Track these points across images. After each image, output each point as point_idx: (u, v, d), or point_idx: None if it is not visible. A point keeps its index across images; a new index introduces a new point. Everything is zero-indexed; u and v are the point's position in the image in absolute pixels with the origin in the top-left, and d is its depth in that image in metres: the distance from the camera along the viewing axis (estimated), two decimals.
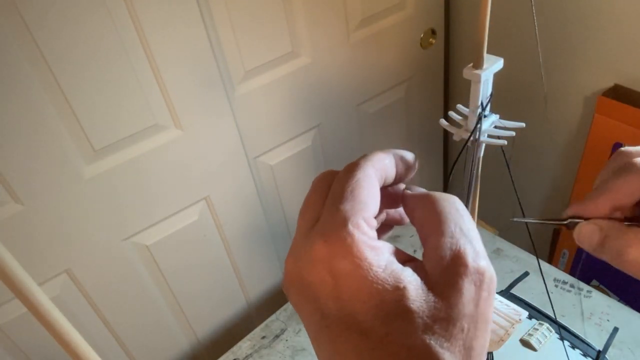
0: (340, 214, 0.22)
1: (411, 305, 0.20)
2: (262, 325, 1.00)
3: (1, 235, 0.77)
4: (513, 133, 0.45)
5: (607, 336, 0.84)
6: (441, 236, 0.22)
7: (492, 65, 0.44)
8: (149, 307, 1.03)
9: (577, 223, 0.32)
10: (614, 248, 0.29)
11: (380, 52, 1.14)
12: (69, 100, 0.75)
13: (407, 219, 0.29)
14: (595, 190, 0.31)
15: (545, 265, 1.04)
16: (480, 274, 0.21)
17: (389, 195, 0.28)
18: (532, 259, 1.03)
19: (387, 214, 0.30)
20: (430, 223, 0.23)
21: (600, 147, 1.06)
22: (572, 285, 0.97)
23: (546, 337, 0.83)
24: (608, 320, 0.89)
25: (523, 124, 0.43)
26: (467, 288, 0.21)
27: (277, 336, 0.97)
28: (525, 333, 0.84)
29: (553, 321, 0.86)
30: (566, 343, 0.82)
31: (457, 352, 0.20)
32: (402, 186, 0.28)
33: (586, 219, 0.31)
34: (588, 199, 0.31)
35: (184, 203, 0.97)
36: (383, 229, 0.30)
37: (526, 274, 0.99)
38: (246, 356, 0.94)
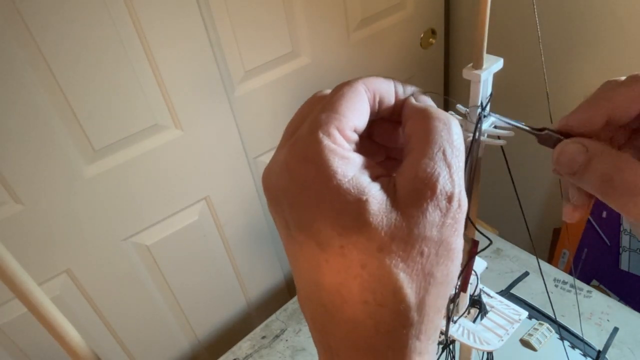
0: (314, 123, 0.21)
1: (370, 219, 0.19)
2: (262, 325, 1.00)
3: (1, 235, 0.77)
4: (513, 133, 0.45)
5: (607, 336, 0.84)
6: (421, 155, 0.21)
7: (492, 65, 0.44)
8: (149, 307, 1.03)
9: (555, 139, 0.28)
10: (600, 172, 0.25)
11: (380, 52, 1.14)
12: (69, 100, 0.75)
13: None
14: (587, 101, 0.28)
15: (545, 265, 1.04)
16: (448, 200, 0.20)
17: (392, 130, 0.27)
18: (532, 259, 1.03)
19: (395, 148, 0.28)
20: (416, 139, 0.22)
21: None
22: (572, 285, 0.97)
23: (546, 337, 0.83)
24: (608, 320, 0.89)
25: (512, 133, 0.43)
26: (431, 212, 0.20)
27: (277, 336, 0.97)
28: (525, 333, 0.84)
29: (553, 321, 0.86)
30: (566, 343, 0.82)
31: (414, 276, 0.20)
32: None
33: (567, 137, 0.28)
34: (580, 108, 0.28)
35: (184, 203, 0.97)
36: (392, 165, 0.28)
37: (526, 274, 0.99)
38: (246, 356, 0.94)
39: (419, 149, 0.21)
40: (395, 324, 0.20)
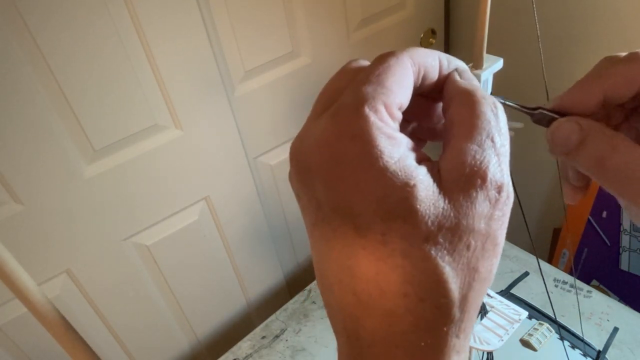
0: (358, 96, 0.19)
1: (418, 206, 0.18)
2: (262, 325, 1.00)
3: (1, 235, 0.77)
4: (512, 133, 0.45)
5: (607, 336, 0.84)
6: (468, 141, 0.20)
7: (492, 65, 0.44)
8: (149, 307, 1.03)
9: (549, 117, 0.27)
10: (595, 151, 0.24)
11: (380, 52, 1.13)
12: (69, 100, 0.75)
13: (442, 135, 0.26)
14: (584, 78, 0.27)
15: (545, 265, 1.04)
16: (497, 191, 0.19)
17: (425, 106, 0.25)
18: (532, 259, 1.03)
19: (421, 125, 0.26)
20: (462, 124, 0.20)
21: None
22: (572, 285, 0.97)
23: (546, 337, 0.83)
24: (608, 320, 0.89)
25: (521, 124, 0.43)
26: (481, 202, 0.19)
27: (277, 336, 0.97)
28: (525, 333, 0.84)
29: (553, 321, 0.86)
30: (566, 343, 0.82)
31: (459, 270, 0.18)
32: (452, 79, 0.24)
33: (562, 116, 0.27)
34: (575, 87, 0.27)
35: (184, 203, 0.97)
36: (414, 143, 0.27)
37: (526, 274, 0.99)
38: (246, 356, 0.94)
39: (466, 134, 0.20)
40: (436, 320, 0.18)
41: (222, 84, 0.91)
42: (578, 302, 0.92)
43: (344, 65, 0.23)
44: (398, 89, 0.20)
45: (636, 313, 0.89)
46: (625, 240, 1.09)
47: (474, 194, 0.19)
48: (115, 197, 0.87)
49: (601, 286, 1.18)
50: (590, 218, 1.13)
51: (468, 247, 0.18)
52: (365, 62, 0.23)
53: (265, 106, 1.01)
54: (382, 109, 0.19)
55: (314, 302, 1.02)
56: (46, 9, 0.68)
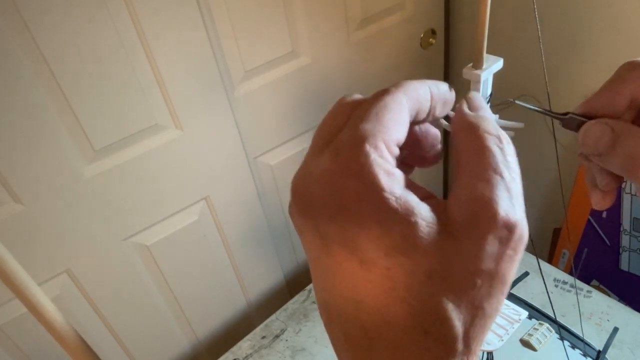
0: (358, 133, 0.20)
1: (419, 242, 0.18)
2: (262, 325, 1.00)
3: (1, 235, 0.77)
4: (512, 133, 0.45)
5: (607, 336, 0.84)
6: (476, 177, 0.20)
7: (492, 65, 0.44)
8: (149, 307, 1.03)
9: (578, 121, 0.28)
10: (627, 151, 0.25)
11: (380, 52, 1.14)
12: (69, 100, 0.75)
13: (432, 161, 0.26)
14: (609, 82, 0.27)
15: (545, 265, 1.04)
16: (509, 229, 0.19)
17: (417, 135, 0.25)
18: (532, 259, 1.03)
19: (412, 153, 0.27)
20: (468, 160, 0.21)
21: None
22: (572, 285, 0.97)
23: (546, 337, 0.83)
24: (608, 320, 0.89)
25: (522, 124, 0.43)
26: (490, 242, 0.18)
27: (277, 336, 0.97)
28: (525, 333, 0.84)
29: (553, 321, 0.86)
30: (566, 343, 0.82)
31: (463, 308, 0.18)
32: (430, 127, 0.25)
33: (590, 119, 0.27)
34: (602, 90, 0.27)
35: (184, 203, 0.97)
36: (403, 170, 0.28)
37: (526, 274, 0.99)
38: (246, 356, 0.94)
39: (474, 171, 0.20)
40: (440, 353, 0.18)
41: (222, 84, 0.91)
42: (578, 302, 0.92)
43: (338, 101, 0.23)
44: (395, 125, 0.21)
45: (636, 313, 0.89)
46: (625, 240, 1.09)
47: (483, 234, 0.19)
48: (115, 197, 0.87)
49: (601, 286, 1.18)
50: (590, 218, 1.13)
51: (474, 285, 0.18)
52: (359, 96, 0.23)
53: (265, 106, 1.01)
54: (382, 146, 0.20)
55: (314, 302, 1.02)
56: (46, 8, 0.68)
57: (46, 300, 0.30)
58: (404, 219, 0.18)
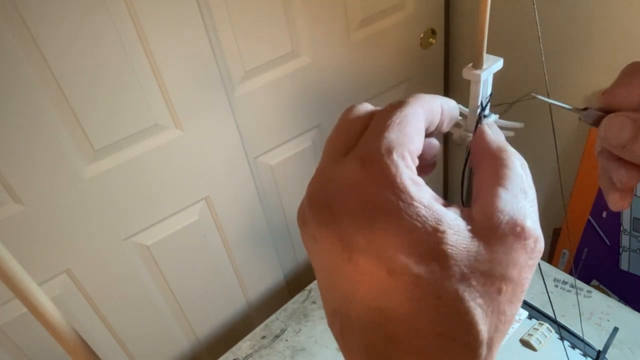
0: (384, 142, 0.20)
1: (450, 250, 0.19)
2: (262, 325, 1.00)
3: (1, 235, 0.77)
4: (512, 133, 0.45)
5: (607, 336, 0.84)
6: (505, 191, 0.21)
7: (492, 65, 0.44)
8: (149, 307, 1.03)
9: (597, 116, 0.29)
10: None
11: (380, 52, 1.14)
12: (69, 100, 0.75)
13: (428, 171, 0.28)
14: (622, 77, 0.28)
15: (545, 265, 1.04)
16: (534, 241, 0.20)
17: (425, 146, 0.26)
18: None
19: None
20: (496, 175, 0.22)
21: None
22: (572, 285, 0.97)
23: (546, 337, 0.83)
24: (608, 320, 0.89)
25: (522, 124, 0.43)
26: (518, 251, 0.20)
27: (277, 336, 0.97)
28: (525, 333, 0.84)
29: (553, 321, 0.86)
30: (566, 343, 0.82)
31: (489, 312, 0.19)
32: (432, 140, 0.26)
33: (609, 112, 0.28)
34: (618, 84, 0.28)
35: (184, 203, 0.97)
36: None
37: None
38: (246, 356, 0.94)
39: (502, 185, 0.21)
40: (464, 358, 0.19)
41: (222, 84, 0.91)
42: (578, 302, 0.92)
43: (350, 109, 0.24)
44: (416, 136, 0.22)
45: (636, 313, 0.89)
46: (625, 240, 1.09)
47: (513, 243, 0.20)
48: (115, 197, 0.87)
49: (601, 286, 1.18)
50: (590, 218, 1.13)
51: (499, 291, 0.19)
52: (370, 106, 0.24)
53: (265, 106, 1.01)
54: (407, 156, 0.20)
55: (314, 302, 1.02)
56: (46, 9, 0.68)
57: (46, 300, 0.30)
58: (434, 227, 0.19)
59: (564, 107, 0.32)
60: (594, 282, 1.20)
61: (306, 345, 0.93)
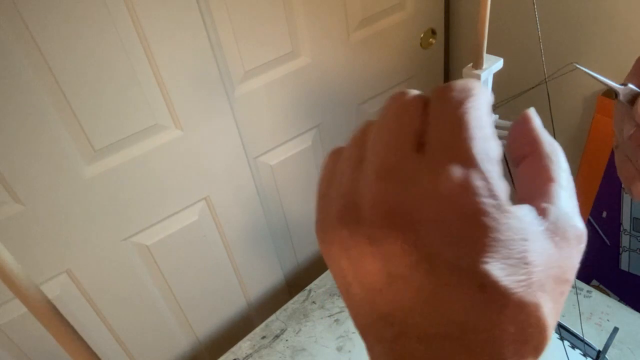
0: (476, 144, 0.19)
1: (535, 259, 0.18)
2: (262, 325, 1.00)
3: (1, 235, 0.77)
4: None
5: (607, 336, 0.84)
6: (563, 190, 0.20)
7: (492, 65, 0.44)
8: (149, 307, 1.03)
9: (633, 94, 0.29)
10: None
11: (380, 52, 1.14)
12: (69, 100, 0.75)
13: None
14: None
15: None
16: (584, 243, 0.20)
17: None
18: None
19: None
20: (549, 169, 0.21)
21: (600, 146, 1.06)
22: (572, 285, 0.97)
23: None
24: (608, 320, 0.89)
25: None
26: (577, 254, 0.20)
27: (277, 336, 0.97)
28: None
29: None
30: (566, 343, 0.82)
31: (555, 315, 0.19)
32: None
33: None
34: None
35: (184, 203, 0.97)
36: None
37: None
38: (246, 356, 0.94)
39: (556, 181, 0.21)
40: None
41: (222, 84, 0.91)
42: (578, 302, 0.92)
43: (401, 94, 0.22)
44: (495, 138, 0.21)
45: (636, 313, 0.89)
46: (625, 240, 1.09)
47: (575, 246, 0.20)
48: (116, 196, 0.87)
49: (601, 286, 1.18)
50: (590, 218, 1.13)
51: (562, 295, 0.20)
52: (418, 92, 0.22)
53: (265, 106, 1.01)
54: (495, 160, 0.19)
55: (314, 302, 1.02)
56: (46, 9, 0.68)
57: (45, 300, 0.30)
58: (522, 237, 0.18)
59: (603, 82, 0.31)
60: (594, 282, 1.20)
61: (306, 345, 0.93)
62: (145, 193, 0.90)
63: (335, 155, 0.25)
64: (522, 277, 0.18)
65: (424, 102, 0.22)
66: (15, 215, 0.77)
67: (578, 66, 0.35)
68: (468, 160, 0.19)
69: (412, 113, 0.21)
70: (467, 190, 0.18)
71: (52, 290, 0.87)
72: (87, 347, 0.33)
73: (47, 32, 0.69)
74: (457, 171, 0.19)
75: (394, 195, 0.19)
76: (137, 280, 0.98)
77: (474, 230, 0.18)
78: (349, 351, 0.90)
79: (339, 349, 0.91)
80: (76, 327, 0.33)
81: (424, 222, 0.19)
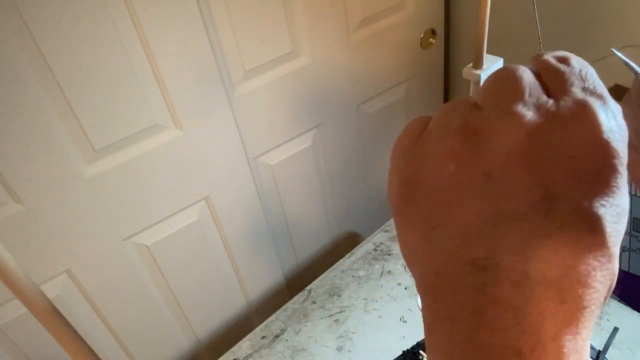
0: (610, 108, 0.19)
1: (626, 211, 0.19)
2: (262, 325, 0.99)
3: (1, 235, 0.77)
4: None
5: (607, 336, 0.84)
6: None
7: (492, 65, 0.44)
8: (149, 307, 1.03)
9: None
10: None
11: (380, 52, 1.14)
12: (68, 100, 0.75)
13: None
14: None
15: None
16: None
17: None
18: None
19: None
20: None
21: None
22: None
23: None
24: (608, 320, 0.89)
25: None
26: None
27: (277, 336, 0.96)
28: None
29: None
30: None
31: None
32: None
33: None
34: None
35: (184, 203, 0.97)
36: None
37: None
38: (246, 356, 0.94)
39: None
40: (597, 313, 0.20)
41: (222, 84, 0.91)
42: None
43: (511, 68, 0.22)
44: None
45: (636, 313, 0.89)
46: (625, 240, 1.09)
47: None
48: (115, 197, 0.87)
49: None
50: None
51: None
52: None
53: (265, 106, 1.01)
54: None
55: (314, 302, 1.02)
56: (46, 9, 0.68)
57: (45, 300, 0.30)
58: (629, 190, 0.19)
59: (637, 70, 0.31)
60: None
61: (306, 345, 0.93)
62: (145, 193, 0.90)
63: (421, 119, 0.24)
64: (620, 228, 0.19)
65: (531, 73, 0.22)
66: (15, 215, 0.77)
67: (616, 52, 0.34)
68: (602, 96, 0.19)
69: (531, 72, 0.21)
70: (604, 132, 0.18)
71: (52, 290, 0.87)
72: (87, 347, 0.33)
73: (47, 32, 0.69)
74: (602, 115, 0.19)
75: (528, 130, 0.19)
76: (137, 280, 0.98)
77: (602, 171, 0.18)
78: (349, 351, 0.90)
79: (339, 349, 0.91)
80: (76, 327, 0.33)
81: (556, 161, 0.18)
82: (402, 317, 0.93)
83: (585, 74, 0.21)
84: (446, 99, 1.42)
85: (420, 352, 0.78)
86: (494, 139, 0.19)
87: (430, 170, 0.21)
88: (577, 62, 0.22)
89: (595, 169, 0.18)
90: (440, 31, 1.24)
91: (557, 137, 0.19)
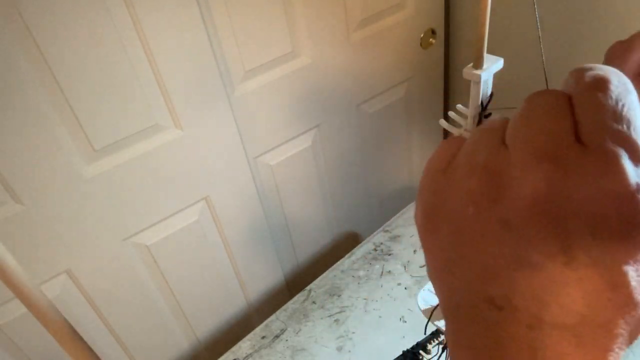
0: None
1: None
2: (262, 325, 0.99)
3: (1, 235, 0.77)
4: None
5: None
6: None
7: (492, 65, 0.44)
8: (149, 307, 1.03)
9: None
10: None
11: (380, 52, 1.14)
12: (69, 100, 0.75)
13: None
14: None
15: None
16: None
17: None
18: None
19: None
20: None
21: None
22: None
23: None
24: None
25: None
26: None
27: (277, 336, 0.96)
28: None
29: None
30: None
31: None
32: None
33: None
34: None
35: (184, 203, 0.97)
36: None
37: None
38: (246, 356, 0.94)
39: None
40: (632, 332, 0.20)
41: (222, 84, 0.91)
42: None
43: (539, 94, 0.22)
44: None
45: None
46: None
47: None
48: (115, 197, 0.87)
49: None
50: None
51: None
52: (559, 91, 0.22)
53: (265, 106, 1.01)
54: None
55: (314, 302, 1.02)
56: (47, 9, 0.68)
57: (46, 300, 0.30)
58: None
59: None
60: None
61: (306, 345, 0.93)
62: (145, 193, 0.90)
63: (455, 142, 0.24)
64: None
65: (568, 97, 0.21)
66: (15, 215, 0.77)
67: None
68: (634, 144, 0.18)
69: (564, 105, 0.21)
70: (632, 191, 0.18)
71: (52, 290, 0.87)
72: (87, 347, 0.33)
73: (47, 32, 0.69)
74: (631, 171, 0.18)
75: (549, 181, 0.19)
76: (137, 280, 0.98)
77: (630, 232, 0.18)
78: (349, 351, 0.90)
79: (339, 349, 0.91)
80: (76, 327, 0.33)
81: (577, 214, 0.18)
82: (402, 317, 0.93)
83: (621, 109, 0.20)
84: (446, 99, 1.42)
85: (420, 352, 0.78)
86: (514, 187, 0.19)
87: (453, 208, 0.21)
88: (616, 89, 0.20)
89: (622, 230, 0.18)
90: (440, 31, 1.24)
91: (580, 193, 0.18)
